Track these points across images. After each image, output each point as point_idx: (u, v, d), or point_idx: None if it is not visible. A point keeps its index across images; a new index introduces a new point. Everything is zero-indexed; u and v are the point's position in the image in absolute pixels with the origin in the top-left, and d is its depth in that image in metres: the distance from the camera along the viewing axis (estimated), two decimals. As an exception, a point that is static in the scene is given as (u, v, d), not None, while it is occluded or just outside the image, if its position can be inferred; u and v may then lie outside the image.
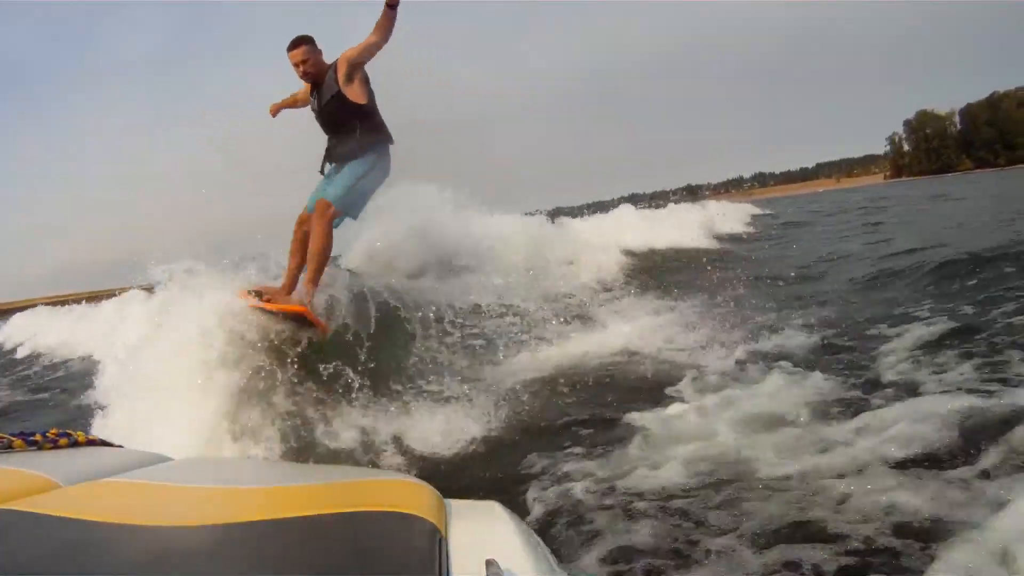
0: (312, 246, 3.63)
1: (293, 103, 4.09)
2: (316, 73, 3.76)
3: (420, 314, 4.27)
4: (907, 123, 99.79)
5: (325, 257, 3.68)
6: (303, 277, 3.63)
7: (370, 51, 3.69)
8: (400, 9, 3.51)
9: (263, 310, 3.33)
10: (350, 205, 3.82)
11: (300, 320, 3.38)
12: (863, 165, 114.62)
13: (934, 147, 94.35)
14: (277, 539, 0.71)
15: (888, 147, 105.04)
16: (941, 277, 5.37)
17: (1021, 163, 78.58)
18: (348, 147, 3.83)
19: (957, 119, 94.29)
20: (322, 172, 3.94)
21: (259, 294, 3.50)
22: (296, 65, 3.73)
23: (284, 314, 3.35)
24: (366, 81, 3.80)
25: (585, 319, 5.19)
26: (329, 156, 3.93)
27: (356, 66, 3.72)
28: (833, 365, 3.38)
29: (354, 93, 3.74)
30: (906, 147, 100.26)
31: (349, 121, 3.80)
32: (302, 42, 3.73)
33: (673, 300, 5.83)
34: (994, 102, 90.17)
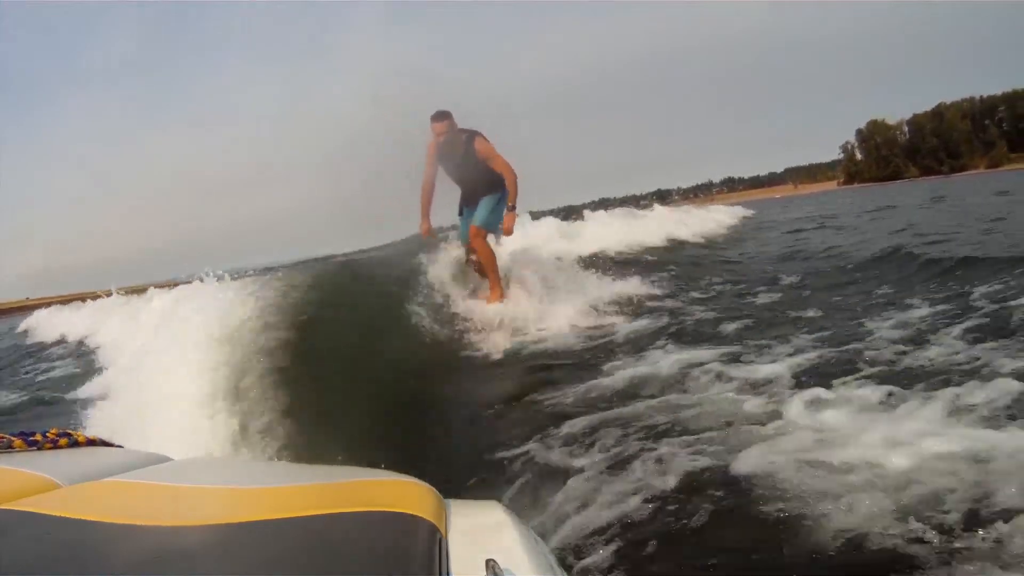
0: (483, 260, 4.93)
1: (428, 196, 5.05)
2: (452, 141, 4.74)
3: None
4: (859, 132, 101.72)
5: (494, 264, 4.97)
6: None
7: (499, 167, 4.80)
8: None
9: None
10: (491, 225, 4.93)
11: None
12: (831, 169, 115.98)
13: (884, 155, 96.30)
14: (276, 539, 0.68)
15: (841, 154, 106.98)
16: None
17: (963, 171, 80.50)
18: (480, 190, 4.92)
19: (906, 128, 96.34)
20: (460, 213, 5.14)
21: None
22: (439, 135, 4.70)
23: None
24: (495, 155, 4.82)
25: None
26: (465, 199, 5.07)
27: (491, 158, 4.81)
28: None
29: (497, 166, 4.80)
30: (859, 155, 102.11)
31: (481, 175, 4.84)
32: (446, 117, 4.70)
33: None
34: (939, 113, 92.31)
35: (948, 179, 63.15)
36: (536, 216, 10.09)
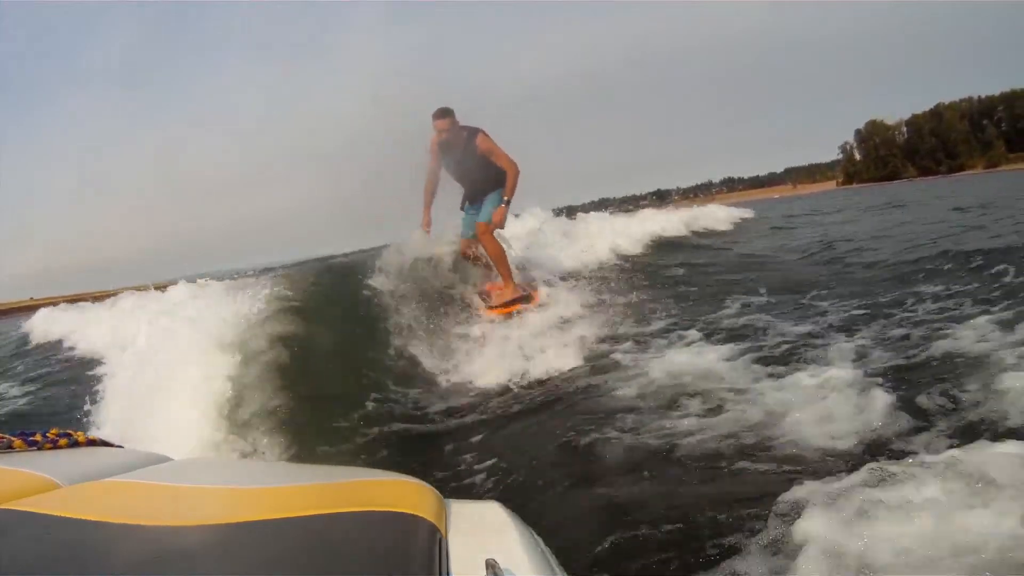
0: (493, 256, 4.92)
1: (431, 192, 5.04)
2: (454, 139, 4.72)
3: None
4: (858, 132, 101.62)
5: (504, 258, 4.95)
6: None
7: (501, 162, 4.79)
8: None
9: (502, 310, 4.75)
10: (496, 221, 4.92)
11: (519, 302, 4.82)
12: (831, 170, 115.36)
13: (882, 155, 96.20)
14: (276, 539, 0.68)
15: (840, 155, 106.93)
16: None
17: (961, 171, 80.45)
18: (484, 186, 4.91)
19: (904, 129, 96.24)
20: (462, 208, 5.10)
21: (485, 296, 4.99)
22: (441, 132, 4.68)
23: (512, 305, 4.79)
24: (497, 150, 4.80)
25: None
26: (469, 196, 5.05)
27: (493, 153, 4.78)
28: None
29: (500, 161, 4.78)
30: (857, 155, 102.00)
31: (484, 171, 4.83)
32: (447, 114, 4.70)
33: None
34: (937, 113, 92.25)
35: (946, 178, 63.25)
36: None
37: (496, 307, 4.87)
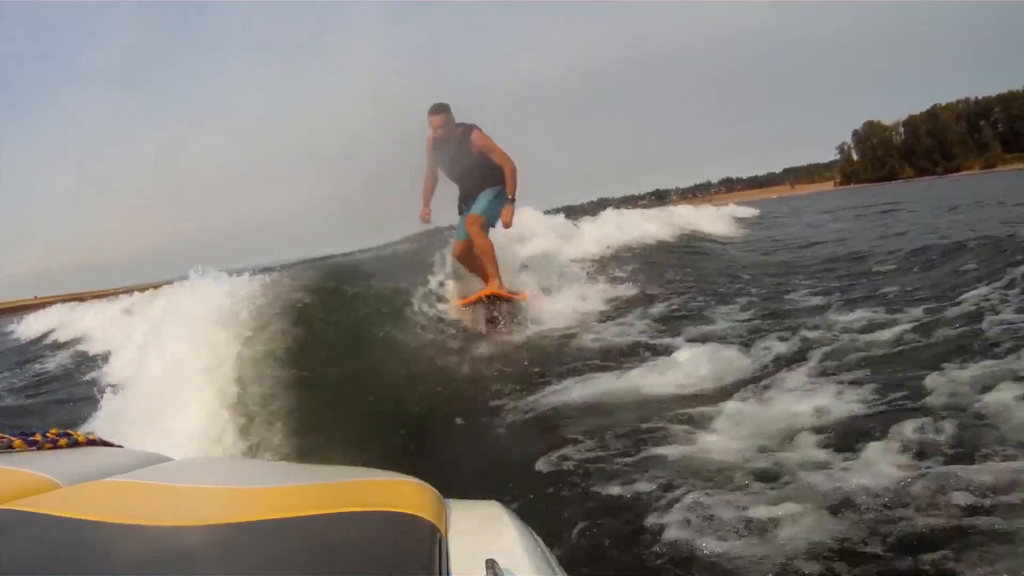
0: (481, 251, 4.77)
1: (430, 185, 4.99)
2: (448, 135, 4.67)
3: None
4: (855, 133, 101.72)
5: (493, 255, 4.79)
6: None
7: (497, 158, 4.72)
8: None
9: (479, 300, 4.69)
10: (490, 214, 4.80)
11: (499, 297, 4.72)
12: (829, 170, 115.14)
13: (879, 156, 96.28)
14: (276, 539, 0.68)
15: (838, 155, 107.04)
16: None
17: (958, 171, 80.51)
18: (478, 186, 4.82)
19: (902, 130, 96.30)
20: (460, 212, 4.96)
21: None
22: (436, 128, 4.64)
23: (493, 297, 4.72)
24: (493, 146, 4.74)
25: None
26: (463, 198, 4.93)
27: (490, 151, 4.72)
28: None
29: (496, 157, 4.72)
30: (855, 156, 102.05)
31: (480, 169, 4.75)
32: (442, 110, 4.64)
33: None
34: (934, 114, 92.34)
35: (943, 179, 63.48)
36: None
37: (476, 295, 4.75)
